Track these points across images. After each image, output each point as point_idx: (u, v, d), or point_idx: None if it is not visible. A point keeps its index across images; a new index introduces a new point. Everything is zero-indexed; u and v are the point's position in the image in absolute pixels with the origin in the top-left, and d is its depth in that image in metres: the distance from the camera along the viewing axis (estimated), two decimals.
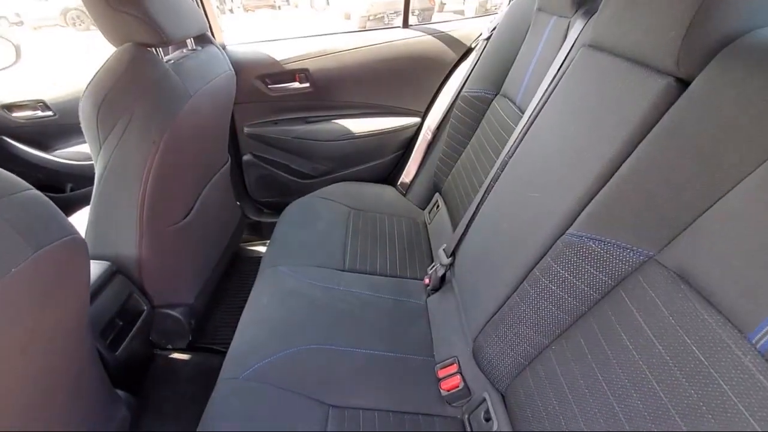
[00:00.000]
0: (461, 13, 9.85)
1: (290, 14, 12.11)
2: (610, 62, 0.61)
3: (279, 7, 13.25)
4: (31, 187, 0.50)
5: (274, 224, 1.27)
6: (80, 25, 10.89)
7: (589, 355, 0.55)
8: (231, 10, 12.25)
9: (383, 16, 8.25)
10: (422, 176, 1.45)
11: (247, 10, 12.29)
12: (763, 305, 0.38)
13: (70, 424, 0.68)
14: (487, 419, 0.72)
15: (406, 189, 1.49)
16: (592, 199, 0.57)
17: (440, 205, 1.31)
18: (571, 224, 0.59)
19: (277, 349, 0.82)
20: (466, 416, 0.77)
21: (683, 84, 0.49)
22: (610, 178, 0.54)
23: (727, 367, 0.39)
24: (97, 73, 0.78)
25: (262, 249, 1.68)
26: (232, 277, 1.46)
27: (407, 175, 1.48)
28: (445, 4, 10.98)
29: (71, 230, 0.52)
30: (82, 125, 0.79)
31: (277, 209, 1.36)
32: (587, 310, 0.58)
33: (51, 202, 0.51)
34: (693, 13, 0.46)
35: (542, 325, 0.64)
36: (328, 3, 11.95)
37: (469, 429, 0.75)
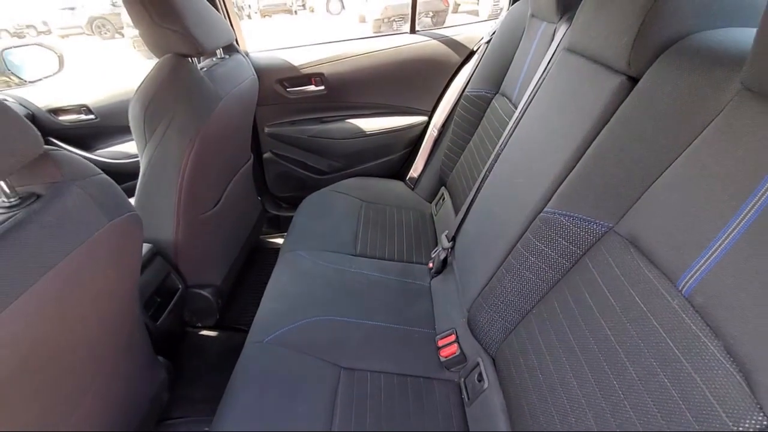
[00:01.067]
0: (475, 13, 9.89)
1: (306, 19, 12.36)
2: (581, 64, 0.70)
3: (295, 12, 13.51)
4: (102, 171, 0.62)
5: (291, 218, 1.39)
6: (105, 33, 11.39)
7: (560, 315, 0.65)
8: (249, 16, 12.58)
9: (399, 20, 8.36)
10: (429, 171, 1.55)
11: (264, 16, 12.60)
12: (686, 259, 0.47)
13: (123, 380, 0.80)
14: (480, 380, 0.82)
15: (414, 183, 1.59)
16: (563, 181, 0.66)
17: (445, 198, 1.41)
18: (547, 203, 0.68)
19: (295, 319, 0.93)
20: (462, 379, 0.87)
21: (633, 81, 0.58)
22: (577, 163, 0.64)
23: (660, 310, 0.48)
24: (143, 81, 0.91)
25: (280, 241, 1.80)
26: (254, 266, 1.59)
27: (415, 170, 1.58)
28: (459, 5, 11.04)
29: (132, 208, 0.64)
30: (131, 125, 0.93)
31: (295, 204, 1.48)
32: (561, 278, 0.67)
33: (116, 185, 0.64)
34: (640, 22, 0.55)
35: (524, 292, 0.73)
36: (343, 7, 12.15)
37: (464, 390, 0.85)
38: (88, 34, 11.34)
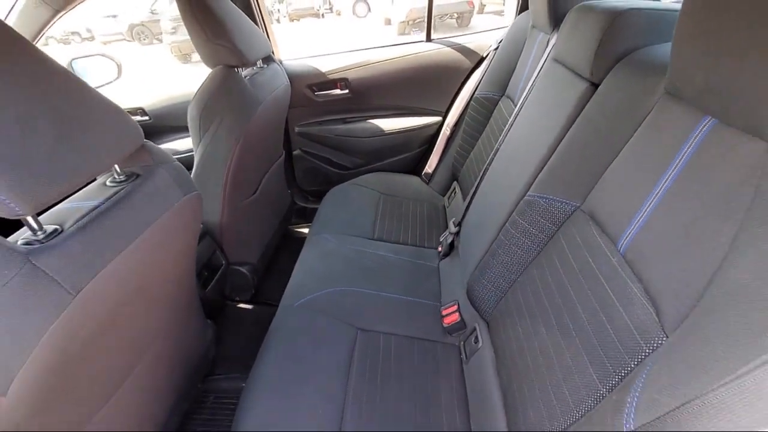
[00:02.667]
0: (500, 13, 9.90)
1: (333, 21, 12.65)
2: (560, 71, 0.83)
3: (323, 15, 13.84)
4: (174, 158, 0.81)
5: (316, 210, 1.56)
6: (144, 39, 12.06)
7: (537, 281, 0.78)
8: (278, 20, 13.00)
9: (422, 21, 8.49)
10: (442, 167, 1.69)
11: (293, 20, 12.98)
12: (623, 225, 0.60)
13: (182, 336, 0.99)
14: (476, 342, 0.96)
15: (429, 178, 1.74)
16: (542, 169, 0.79)
17: (457, 191, 1.55)
18: (530, 188, 0.82)
19: (320, 288, 1.10)
20: (462, 342, 1.01)
21: (595, 87, 0.71)
22: (552, 154, 0.77)
23: (604, 267, 0.62)
24: (200, 88, 1.10)
25: (306, 231, 1.99)
26: (283, 251, 1.78)
27: (430, 166, 1.73)
28: (485, 5, 11.06)
29: (196, 188, 0.83)
30: (189, 125, 1.12)
31: (320, 197, 1.65)
32: (540, 250, 0.81)
33: (186, 170, 0.82)
34: (600, 38, 0.68)
35: (511, 264, 0.87)
36: (369, 10, 12.37)
37: (463, 351, 0.99)
38: (128, 40, 12.04)
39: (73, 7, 1.58)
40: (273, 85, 1.32)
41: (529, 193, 0.82)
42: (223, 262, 1.33)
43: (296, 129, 1.77)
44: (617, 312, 0.56)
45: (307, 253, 1.27)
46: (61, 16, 1.61)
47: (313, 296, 1.08)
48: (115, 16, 12.55)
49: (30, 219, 0.51)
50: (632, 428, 0.40)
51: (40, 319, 0.49)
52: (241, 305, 1.52)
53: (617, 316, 0.56)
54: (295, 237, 1.94)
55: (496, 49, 1.47)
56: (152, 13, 12.08)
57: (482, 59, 1.59)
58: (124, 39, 12.05)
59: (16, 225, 0.53)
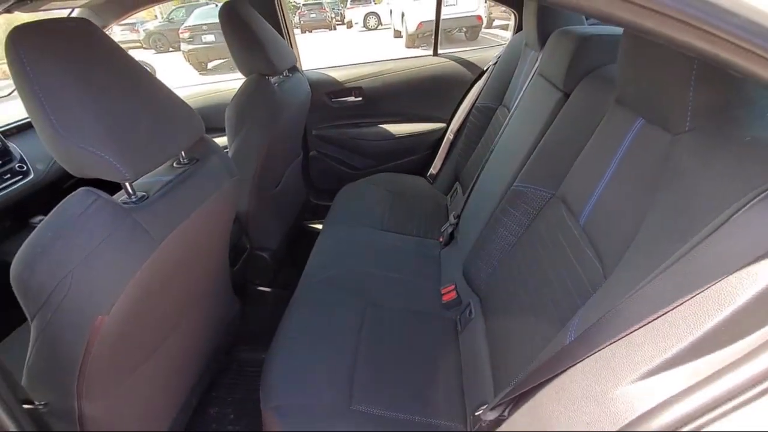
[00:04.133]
0: (506, 28, 10.14)
1: (344, 34, 12.98)
2: (542, 83, 1.00)
3: (334, 27, 14.19)
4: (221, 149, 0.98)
5: (329, 207, 1.71)
6: (161, 47, 12.46)
7: (519, 257, 0.94)
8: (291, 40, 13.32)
9: (430, 35, 8.75)
10: (446, 169, 1.86)
11: (304, 31, 13.35)
12: (583, 203, 0.75)
13: (215, 303, 1.15)
14: (470, 315, 1.11)
15: (433, 179, 1.90)
16: (525, 163, 0.95)
17: (458, 191, 1.71)
18: (515, 180, 0.98)
19: (335, 268, 1.26)
20: (458, 317, 1.16)
21: (567, 96, 0.88)
22: (533, 151, 0.93)
23: (569, 239, 0.77)
24: (237, 93, 1.28)
25: (320, 226, 2.15)
26: (299, 244, 1.94)
27: (434, 168, 1.90)
28: (493, 20, 11.33)
29: (238, 176, 0.99)
30: (226, 124, 1.30)
31: (333, 196, 1.81)
32: (523, 232, 0.96)
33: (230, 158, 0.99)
34: (571, 56, 0.85)
35: (500, 245, 1.02)
36: (380, 22, 12.71)
37: (458, 324, 1.14)
38: (144, 48, 12.46)
39: (118, 23, 1.78)
40: (297, 92, 1.50)
41: (515, 183, 0.98)
42: (248, 246, 1.49)
43: (313, 132, 1.95)
44: (576, 272, 0.72)
45: (323, 240, 1.43)
46: (108, 29, 1.81)
47: (329, 274, 1.24)
48: (133, 24, 13.00)
49: (128, 185, 0.68)
50: (572, 339, 0.55)
51: (136, 258, 0.65)
52: (261, 288, 1.68)
53: (576, 275, 0.72)
54: (309, 232, 2.10)
55: (495, 63, 1.64)
56: (169, 21, 12.51)
57: (483, 72, 1.76)
58: (141, 46, 12.47)
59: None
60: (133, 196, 0.69)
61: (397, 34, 10.43)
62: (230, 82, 1.97)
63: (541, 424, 0.51)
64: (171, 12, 12.75)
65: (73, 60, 0.63)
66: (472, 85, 1.79)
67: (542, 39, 1.15)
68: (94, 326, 0.63)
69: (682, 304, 0.41)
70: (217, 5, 9.58)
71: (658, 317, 0.43)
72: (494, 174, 1.16)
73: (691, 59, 0.47)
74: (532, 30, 1.20)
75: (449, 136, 1.83)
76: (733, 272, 0.38)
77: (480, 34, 9.26)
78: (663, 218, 0.52)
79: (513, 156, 1.04)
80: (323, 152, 2.01)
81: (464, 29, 9.27)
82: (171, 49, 12.05)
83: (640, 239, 0.54)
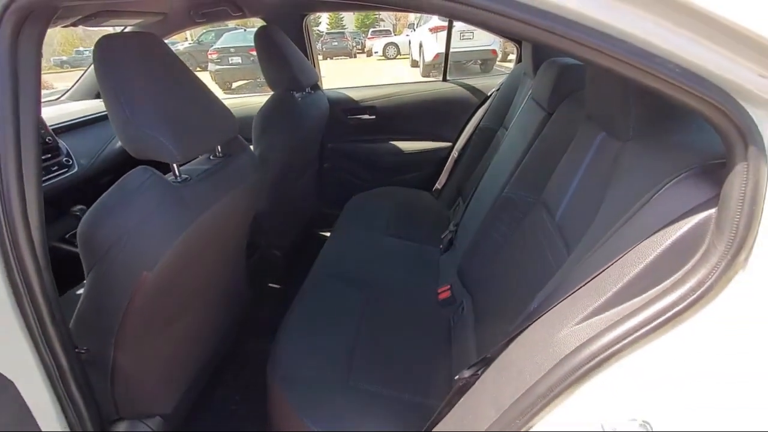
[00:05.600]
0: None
1: (364, 63, 13.51)
2: (532, 105, 1.14)
3: (354, 55, 14.78)
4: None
5: (339, 215, 1.84)
6: (189, 66, 13.08)
7: (507, 255, 1.05)
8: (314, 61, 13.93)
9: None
10: (450, 184, 1.99)
11: (326, 58, 13.94)
12: (559, 204, 0.87)
13: (234, 288, 1.27)
14: (462, 311, 1.21)
15: (438, 194, 2.03)
16: (513, 174, 1.08)
17: (460, 205, 1.83)
18: (505, 188, 1.10)
19: (342, 264, 1.38)
20: (451, 315, 1.26)
21: (550, 115, 1.01)
22: (521, 162, 1.06)
23: (546, 235, 0.88)
24: (265, 104, 1.45)
25: (328, 234, 2.28)
26: (309, 248, 2.07)
27: (439, 183, 2.03)
28: (508, 54, 11.72)
29: (261, 174, 1.14)
30: (253, 131, 1.46)
31: (342, 206, 1.94)
32: (511, 234, 1.08)
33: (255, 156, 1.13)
34: (555, 81, 0.99)
35: (492, 247, 1.13)
36: (399, 52, 13.23)
37: (451, 320, 1.24)
38: None
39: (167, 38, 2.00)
40: (317, 107, 1.67)
41: (505, 191, 1.10)
42: (262, 243, 1.63)
43: (329, 145, 2.11)
44: (549, 262, 0.83)
45: (332, 241, 1.56)
46: None
47: (335, 270, 1.36)
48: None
49: (175, 167, 0.83)
50: (535, 306, 0.66)
51: (178, 227, 0.79)
52: (271, 285, 1.80)
53: (548, 263, 0.83)
54: (318, 238, 2.23)
55: (497, 90, 1.80)
56: (198, 43, 13.21)
57: (487, 97, 1.92)
58: None
59: None
60: (178, 177, 0.84)
61: (415, 64, 10.84)
62: (253, 98, 2.16)
63: (504, 371, 0.62)
64: (201, 35, 13.47)
65: (142, 64, 0.79)
66: (477, 109, 1.95)
67: (536, 67, 1.30)
68: (140, 281, 0.76)
69: (610, 266, 0.52)
70: (245, 30, 10.18)
71: (594, 277, 0.54)
72: (489, 185, 1.29)
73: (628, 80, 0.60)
74: (528, 60, 1.36)
75: (454, 154, 1.98)
76: (646, 239, 0.49)
77: (494, 67, 9.59)
78: (610, 207, 0.64)
79: (504, 168, 1.16)
80: (337, 164, 2.16)
81: (479, 62, 9.61)
82: (198, 69, 12.64)
83: (594, 226, 0.66)
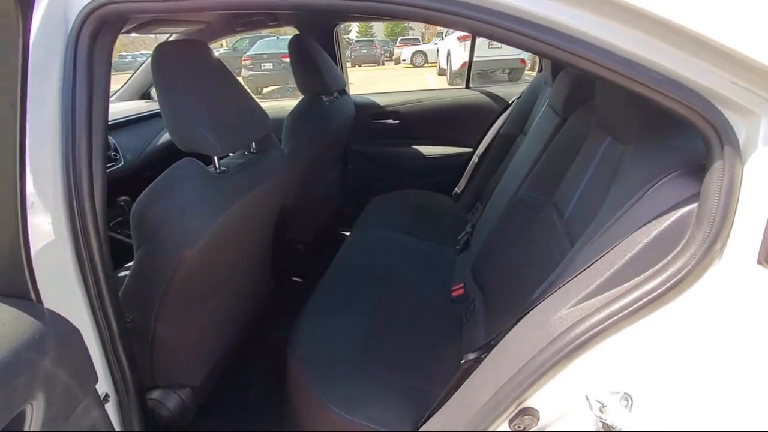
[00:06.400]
0: None
1: (392, 70, 13.68)
2: (549, 111, 1.18)
3: (383, 63, 14.99)
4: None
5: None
6: None
7: (519, 253, 1.09)
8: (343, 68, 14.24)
9: (473, 74, 9.12)
10: (469, 189, 2.03)
11: (354, 65, 14.21)
12: (568, 204, 0.91)
13: (258, 277, 1.36)
14: (474, 308, 1.26)
15: (457, 198, 2.08)
16: (527, 177, 1.13)
17: (479, 209, 1.88)
18: (520, 190, 1.15)
19: (360, 259, 1.45)
20: (463, 312, 1.31)
21: (564, 121, 1.06)
22: (535, 166, 1.11)
23: (554, 234, 0.93)
24: (295, 107, 1.55)
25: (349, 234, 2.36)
26: (330, 246, 2.15)
27: (459, 188, 2.08)
28: (536, 62, 11.65)
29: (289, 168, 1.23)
30: (283, 131, 1.56)
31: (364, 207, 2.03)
32: (523, 234, 1.12)
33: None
34: (569, 90, 1.03)
35: (504, 246, 1.18)
36: (426, 60, 13.35)
37: (464, 316, 1.28)
38: None
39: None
40: (343, 111, 1.76)
41: (518, 193, 1.15)
42: (287, 236, 1.72)
43: (353, 147, 2.21)
44: (555, 260, 0.87)
45: (352, 237, 1.64)
46: None
47: (354, 264, 1.44)
48: None
49: (216, 159, 0.92)
50: (537, 295, 0.71)
51: (216, 212, 0.88)
52: (294, 278, 1.89)
53: (554, 262, 0.87)
54: (340, 236, 2.32)
55: (519, 97, 1.84)
56: (233, 49, 13.75)
57: (509, 105, 1.97)
58: None
59: None
60: (218, 169, 0.93)
61: (442, 72, 10.92)
62: (282, 102, 2.29)
63: (504, 353, 0.67)
64: (235, 42, 14.01)
65: (192, 68, 0.89)
66: (498, 116, 2.00)
67: (554, 76, 1.35)
68: (182, 258, 0.85)
69: (602, 256, 0.57)
70: (278, 37, 10.55)
71: (588, 267, 0.59)
72: (504, 187, 1.34)
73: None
74: (548, 69, 1.40)
75: (474, 159, 2.02)
76: (634, 231, 0.54)
77: (522, 77, 9.54)
78: (610, 206, 0.68)
79: (519, 171, 1.21)
80: (360, 166, 2.25)
81: (507, 71, 9.59)
82: None
83: (594, 223, 0.71)
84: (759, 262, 0.45)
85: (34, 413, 0.50)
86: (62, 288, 0.67)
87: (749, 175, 0.45)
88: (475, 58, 2.36)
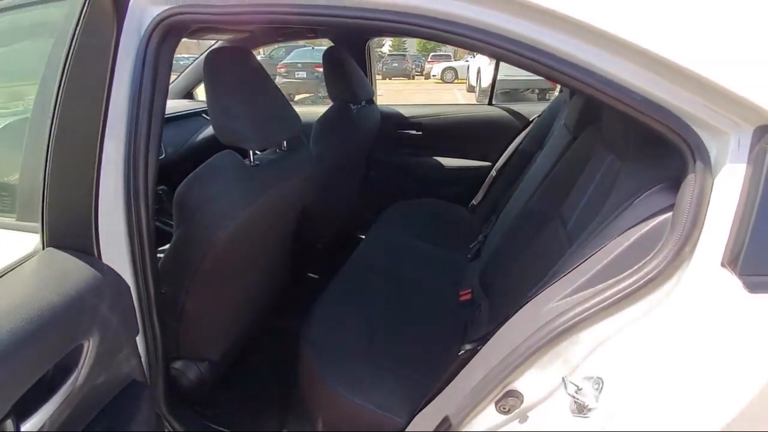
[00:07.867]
0: None
1: (422, 84, 13.87)
2: (563, 129, 1.24)
3: (413, 77, 15.21)
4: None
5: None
6: None
7: (525, 258, 1.15)
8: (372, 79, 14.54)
9: (501, 91, 9.17)
10: (486, 202, 2.09)
11: (384, 78, 14.48)
12: (572, 214, 0.97)
13: (277, 270, 1.46)
14: (479, 312, 1.31)
15: (473, 210, 2.14)
16: (537, 189, 1.19)
17: (493, 221, 1.93)
18: (530, 201, 1.21)
19: (373, 259, 1.53)
20: (469, 316, 1.36)
21: (575, 139, 1.12)
22: (545, 180, 1.17)
23: (558, 244, 0.98)
24: (324, 113, 1.66)
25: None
26: (347, 245, 2.24)
27: (476, 200, 2.14)
28: None
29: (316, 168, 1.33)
30: (312, 135, 1.67)
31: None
32: (530, 244, 1.18)
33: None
34: (581, 108, 1.10)
35: (511, 255, 1.23)
36: (456, 76, 13.48)
37: (469, 321, 1.34)
38: None
39: None
40: (369, 119, 1.86)
41: (529, 204, 1.21)
42: (306, 234, 1.82)
43: (377, 155, 2.30)
44: (555, 260, 0.93)
45: (368, 239, 1.72)
46: None
47: (367, 262, 1.52)
48: None
49: (251, 153, 1.03)
50: (533, 292, 0.77)
51: (249, 200, 0.98)
52: (310, 274, 1.99)
53: (551, 264, 0.93)
54: (357, 239, 2.40)
55: (539, 116, 1.90)
56: (270, 57, 14.29)
57: (530, 122, 2.03)
58: None
59: None
60: (253, 162, 1.04)
61: (471, 89, 11.01)
62: (311, 108, 2.41)
63: (496, 342, 0.73)
64: (272, 50, 14.56)
65: (237, 71, 1.01)
66: (519, 132, 2.05)
67: (571, 95, 1.41)
68: (215, 240, 0.96)
69: (588, 258, 0.63)
70: (313, 48, 10.94)
71: (578, 265, 0.65)
72: (517, 200, 1.40)
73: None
74: (567, 90, 1.46)
75: (493, 173, 2.08)
76: (617, 236, 0.60)
77: (551, 97, 9.51)
78: (604, 215, 0.74)
79: (531, 185, 1.27)
80: (382, 173, 2.34)
81: (536, 90, 9.59)
82: None
83: (587, 230, 0.77)
84: (722, 264, 0.50)
85: (90, 349, 0.60)
86: (116, 251, 0.78)
87: (719, 187, 0.51)
88: (504, 77, 2.43)
